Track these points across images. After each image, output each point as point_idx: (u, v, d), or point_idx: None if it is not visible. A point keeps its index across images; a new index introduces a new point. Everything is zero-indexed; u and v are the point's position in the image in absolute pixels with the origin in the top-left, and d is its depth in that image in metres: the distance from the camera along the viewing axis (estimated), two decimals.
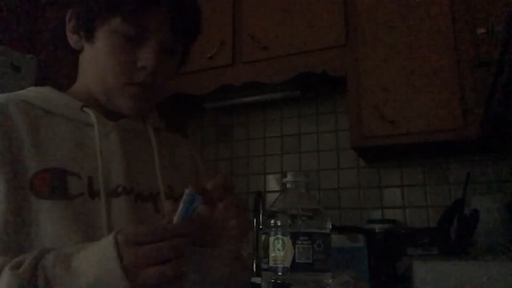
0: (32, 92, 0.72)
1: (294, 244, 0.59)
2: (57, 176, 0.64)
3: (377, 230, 1.67)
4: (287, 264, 0.59)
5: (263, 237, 0.64)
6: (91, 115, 0.71)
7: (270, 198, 2.05)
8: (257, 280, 1.59)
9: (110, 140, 0.71)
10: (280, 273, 0.60)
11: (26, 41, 2.22)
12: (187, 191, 0.57)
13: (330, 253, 0.62)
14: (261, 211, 1.88)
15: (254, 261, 1.83)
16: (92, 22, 0.70)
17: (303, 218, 0.62)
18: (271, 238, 0.61)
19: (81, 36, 0.73)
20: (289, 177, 0.66)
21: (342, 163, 1.99)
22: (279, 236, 0.61)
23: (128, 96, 0.71)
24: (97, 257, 0.52)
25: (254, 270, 1.82)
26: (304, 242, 0.60)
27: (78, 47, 0.74)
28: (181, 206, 0.57)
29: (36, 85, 0.79)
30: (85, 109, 0.72)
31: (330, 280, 0.62)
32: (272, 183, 2.11)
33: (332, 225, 0.66)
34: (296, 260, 0.59)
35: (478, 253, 1.44)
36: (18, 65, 1.84)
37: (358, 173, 1.95)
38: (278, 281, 0.60)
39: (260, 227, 0.66)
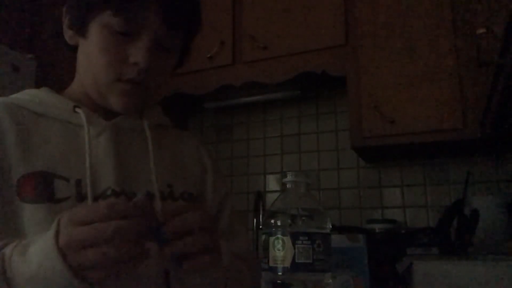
0: (24, 95, 0.71)
1: (294, 244, 0.59)
2: (44, 179, 0.63)
3: (377, 230, 1.67)
4: (287, 264, 0.59)
5: (263, 237, 0.64)
6: (82, 116, 0.69)
7: (270, 198, 2.05)
8: None
9: (101, 141, 0.69)
10: (280, 273, 0.60)
11: (26, 41, 2.22)
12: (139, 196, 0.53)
13: (330, 253, 0.62)
14: (261, 211, 1.88)
15: None
16: (84, 15, 0.68)
17: (303, 218, 0.62)
18: (271, 238, 0.61)
19: (76, 31, 0.71)
20: (289, 177, 0.66)
21: (342, 163, 1.99)
22: (279, 236, 0.61)
23: (119, 93, 0.69)
24: (43, 240, 0.50)
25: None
26: (304, 242, 0.60)
27: (74, 42, 0.73)
28: None
29: (36, 84, 0.78)
30: (77, 109, 0.70)
31: (330, 280, 0.62)
32: (272, 183, 2.11)
33: (332, 225, 0.66)
34: (296, 260, 0.59)
35: (478, 253, 1.44)
36: (18, 65, 1.84)
37: (358, 173, 1.95)
38: (278, 281, 0.60)
39: (260, 227, 0.66)
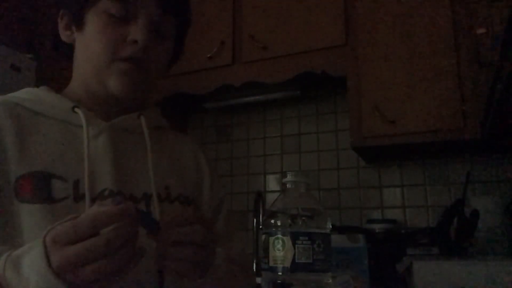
0: (24, 94, 0.71)
1: (294, 244, 0.59)
2: (41, 179, 0.62)
3: (377, 230, 1.67)
4: (287, 264, 0.59)
5: (263, 237, 0.63)
6: (81, 116, 0.69)
7: (270, 198, 2.05)
8: (257, 280, 1.59)
9: (99, 142, 0.69)
10: (280, 273, 0.60)
11: (26, 41, 2.22)
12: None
13: (330, 253, 0.62)
14: (261, 211, 1.88)
15: (254, 261, 1.83)
16: (82, 5, 0.70)
17: (303, 218, 0.62)
18: (271, 238, 0.61)
19: (73, 30, 0.73)
20: (289, 177, 0.66)
21: (342, 163, 1.98)
22: (279, 236, 0.61)
23: (118, 73, 0.69)
24: (36, 263, 0.48)
25: (254, 270, 1.82)
26: (304, 242, 0.59)
27: (71, 41, 0.74)
28: None
29: (36, 84, 0.78)
30: (76, 109, 0.70)
31: (330, 280, 0.62)
32: (272, 183, 2.11)
33: (332, 225, 0.66)
34: (296, 260, 0.59)
35: (478, 253, 1.44)
36: (18, 65, 1.84)
37: (358, 173, 1.95)
38: (278, 281, 0.60)
39: (260, 227, 0.66)
